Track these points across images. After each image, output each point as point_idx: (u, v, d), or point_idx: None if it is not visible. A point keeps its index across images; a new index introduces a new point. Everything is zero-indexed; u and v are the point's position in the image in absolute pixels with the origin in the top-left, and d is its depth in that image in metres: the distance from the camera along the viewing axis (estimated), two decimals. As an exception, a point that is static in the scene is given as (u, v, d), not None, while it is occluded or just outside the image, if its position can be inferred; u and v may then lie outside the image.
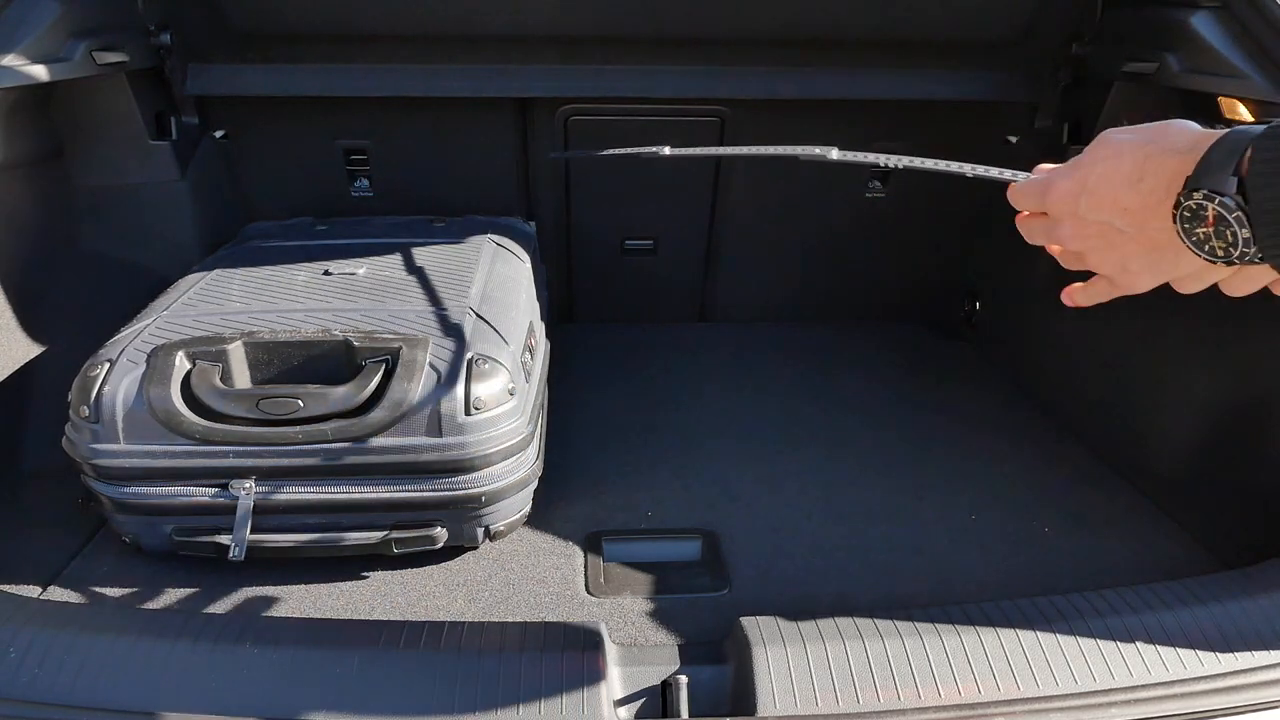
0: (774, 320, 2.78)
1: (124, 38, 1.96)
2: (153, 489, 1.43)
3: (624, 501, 1.78)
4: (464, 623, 1.17)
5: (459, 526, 1.51)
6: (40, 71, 1.70)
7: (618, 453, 1.97)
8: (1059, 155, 2.23)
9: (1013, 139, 2.40)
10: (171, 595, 1.47)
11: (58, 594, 1.45)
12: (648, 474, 1.88)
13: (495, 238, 2.12)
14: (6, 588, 1.35)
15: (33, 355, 1.79)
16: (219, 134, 2.34)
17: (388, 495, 1.45)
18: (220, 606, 1.45)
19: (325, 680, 1.06)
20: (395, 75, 2.23)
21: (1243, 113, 1.85)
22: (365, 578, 1.52)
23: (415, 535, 1.49)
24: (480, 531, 1.54)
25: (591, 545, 1.63)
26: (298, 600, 1.47)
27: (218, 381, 1.43)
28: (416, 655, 1.10)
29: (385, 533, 1.48)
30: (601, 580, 1.54)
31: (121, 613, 1.17)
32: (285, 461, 1.41)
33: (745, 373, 2.43)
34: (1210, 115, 1.96)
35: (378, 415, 1.40)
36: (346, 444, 1.41)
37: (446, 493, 1.46)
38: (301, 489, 1.44)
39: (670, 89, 2.28)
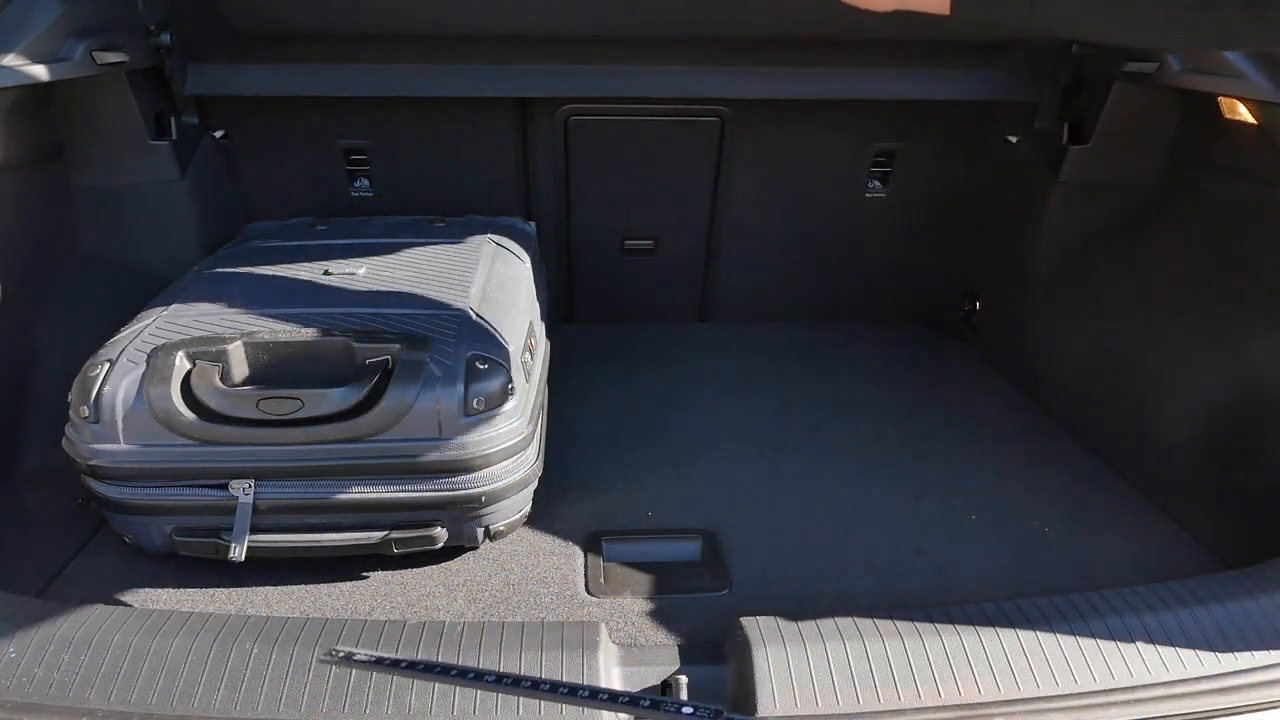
0: (774, 320, 2.78)
1: (124, 38, 1.96)
2: (153, 489, 1.43)
3: (624, 501, 1.78)
4: (464, 623, 1.17)
5: (459, 526, 1.51)
6: (40, 71, 1.70)
7: (618, 453, 1.97)
8: (1059, 155, 2.23)
9: (1013, 139, 2.40)
10: (171, 595, 1.47)
11: (58, 594, 1.46)
12: (648, 474, 1.88)
13: (495, 238, 2.12)
14: (6, 588, 1.35)
15: (33, 355, 1.79)
16: (219, 134, 2.34)
17: (388, 495, 1.45)
18: (220, 606, 1.45)
19: (326, 680, 1.06)
20: (395, 75, 2.22)
21: (1243, 113, 1.85)
22: (365, 578, 1.52)
23: (415, 535, 1.49)
24: (480, 531, 1.54)
25: (591, 545, 1.63)
26: (298, 600, 1.47)
27: (218, 381, 1.43)
28: (416, 655, 1.10)
29: (385, 533, 1.48)
30: (601, 580, 1.54)
31: (121, 613, 1.17)
32: (285, 462, 1.41)
33: (745, 373, 2.43)
34: (1210, 115, 1.96)
35: (378, 415, 1.40)
36: (346, 444, 1.41)
37: (446, 493, 1.46)
38: (301, 489, 1.44)
39: (670, 89, 2.28)
